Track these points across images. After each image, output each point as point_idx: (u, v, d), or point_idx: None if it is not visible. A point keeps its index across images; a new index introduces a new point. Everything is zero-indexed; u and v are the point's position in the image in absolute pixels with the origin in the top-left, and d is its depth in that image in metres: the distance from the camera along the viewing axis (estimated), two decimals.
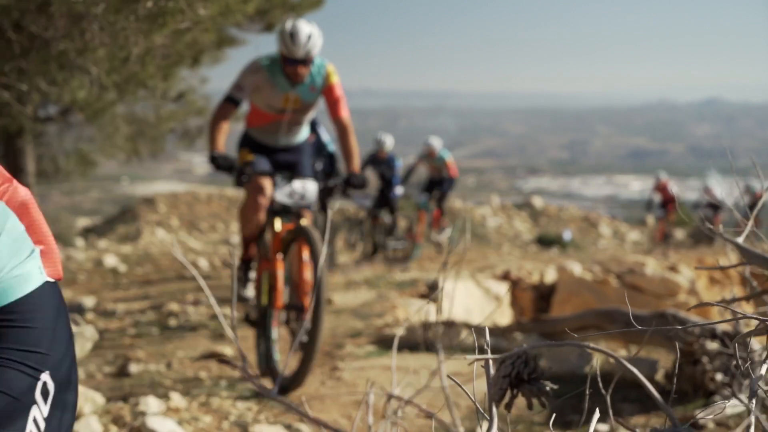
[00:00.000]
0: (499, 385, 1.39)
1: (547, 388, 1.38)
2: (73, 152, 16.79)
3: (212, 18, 6.99)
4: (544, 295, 14.83)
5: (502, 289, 14.05)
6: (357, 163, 6.79)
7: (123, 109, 14.26)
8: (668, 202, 25.41)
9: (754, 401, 1.64)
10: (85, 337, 5.51)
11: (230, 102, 6.60)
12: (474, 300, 13.04)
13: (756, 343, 5.14)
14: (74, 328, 5.49)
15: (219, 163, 6.33)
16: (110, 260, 14.16)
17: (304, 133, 7.33)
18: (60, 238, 21.55)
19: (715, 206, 24.63)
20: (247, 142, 7.16)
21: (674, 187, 26.50)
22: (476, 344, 1.78)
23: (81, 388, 5.14)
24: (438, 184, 18.64)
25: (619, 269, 14.84)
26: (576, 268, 14.85)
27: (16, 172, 15.32)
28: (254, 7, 8.00)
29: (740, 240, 2.86)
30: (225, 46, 11.49)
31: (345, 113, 6.80)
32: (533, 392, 1.37)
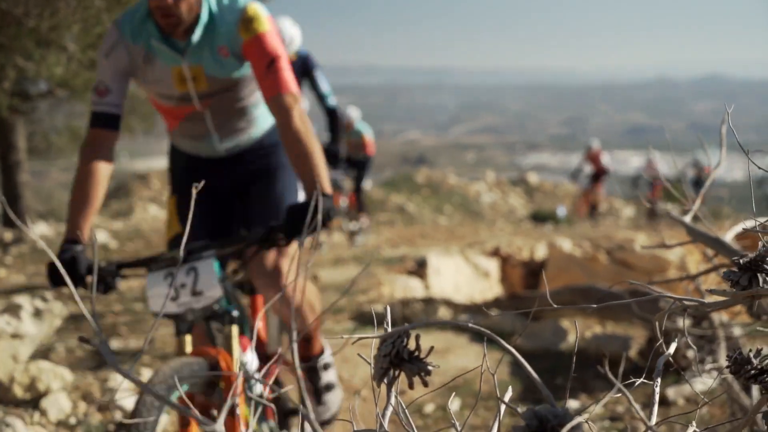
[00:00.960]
0: (381, 364, 1.40)
1: (429, 367, 1.38)
2: (64, 129, 16.81)
3: None
4: (534, 271, 14.84)
5: (492, 265, 14.08)
6: (315, 178, 3.55)
7: None
8: (599, 173, 24.14)
9: (659, 380, 1.65)
10: (53, 313, 5.52)
11: (99, 125, 3.76)
12: (463, 276, 13.07)
13: (725, 317, 5.16)
14: (42, 305, 5.51)
15: (54, 277, 3.46)
16: (101, 236, 14.17)
17: (262, 123, 4.29)
18: (53, 215, 21.57)
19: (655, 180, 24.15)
20: (176, 166, 4.43)
21: (607, 158, 24.72)
22: (380, 320, 1.79)
23: (49, 365, 5.16)
24: (357, 164, 16.10)
25: (608, 245, 14.84)
26: (566, 245, 14.86)
27: (7, 148, 15.34)
28: None
29: (687, 219, 2.87)
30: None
31: (286, 86, 3.73)
32: (414, 371, 1.38)
